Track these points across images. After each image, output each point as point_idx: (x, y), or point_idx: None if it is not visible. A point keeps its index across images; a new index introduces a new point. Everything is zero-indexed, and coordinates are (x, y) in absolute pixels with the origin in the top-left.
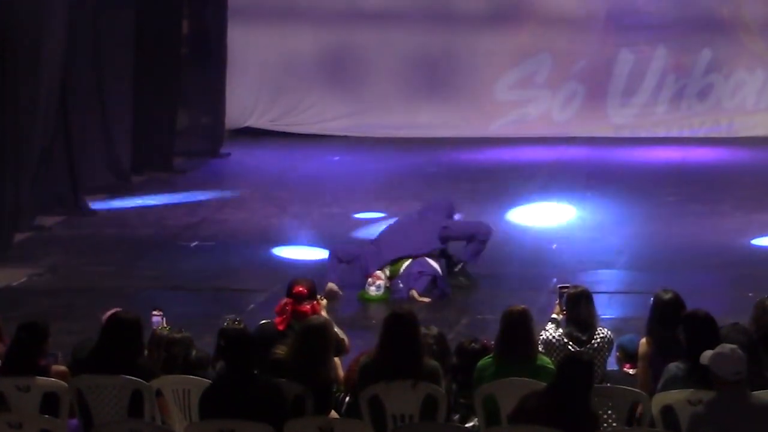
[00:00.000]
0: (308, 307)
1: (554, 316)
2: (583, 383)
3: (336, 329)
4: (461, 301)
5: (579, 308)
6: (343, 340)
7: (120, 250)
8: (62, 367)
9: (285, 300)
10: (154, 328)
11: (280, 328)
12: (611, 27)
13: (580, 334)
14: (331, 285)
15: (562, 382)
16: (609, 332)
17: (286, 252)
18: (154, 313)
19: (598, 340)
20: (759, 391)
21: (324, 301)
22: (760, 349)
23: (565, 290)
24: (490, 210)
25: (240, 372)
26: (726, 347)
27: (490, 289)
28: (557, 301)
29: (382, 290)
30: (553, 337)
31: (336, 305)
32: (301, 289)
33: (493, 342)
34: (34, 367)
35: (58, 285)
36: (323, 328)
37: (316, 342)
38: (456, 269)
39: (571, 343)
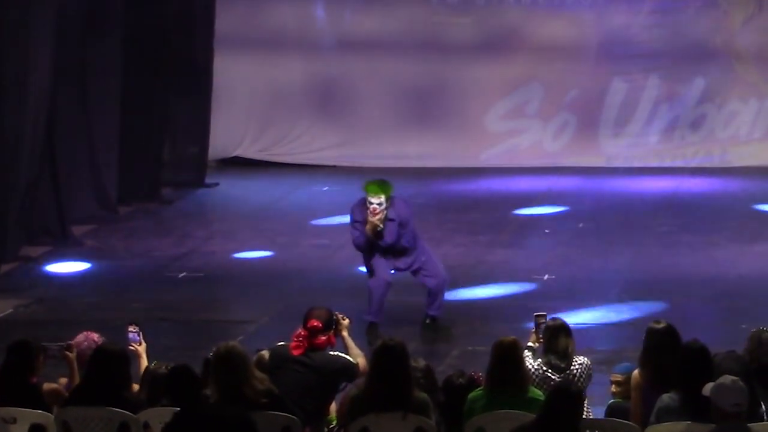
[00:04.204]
0: (323, 339)
1: (530, 344)
2: (571, 415)
3: (351, 351)
4: (451, 333)
5: (557, 340)
6: (356, 364)
7: (107, 281)
8: (53, 385)
9: (300, 331)
10: (131, 343)
11: (295, 353)
12: (603, 56)
13: (558, 362)
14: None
15: (551, 415)
16: (587, 360)
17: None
18: (131, 329)
19: (577, 366)
20: (758, 423)
21: (346, 321)
22: (754, 380)
23: (542, 319)
24: (481, 241)
25: (198, 405)
26: (728, 378)
27: (481, 320)
28: (533, 330)
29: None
30: (532, 365)
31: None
32: (315, 323)
33: (482, 374)
34: (26, 385)
35: (44, 316)
36: (231, 353)
37: (230, 366)
38: (427, 322)
39: (549, 370)
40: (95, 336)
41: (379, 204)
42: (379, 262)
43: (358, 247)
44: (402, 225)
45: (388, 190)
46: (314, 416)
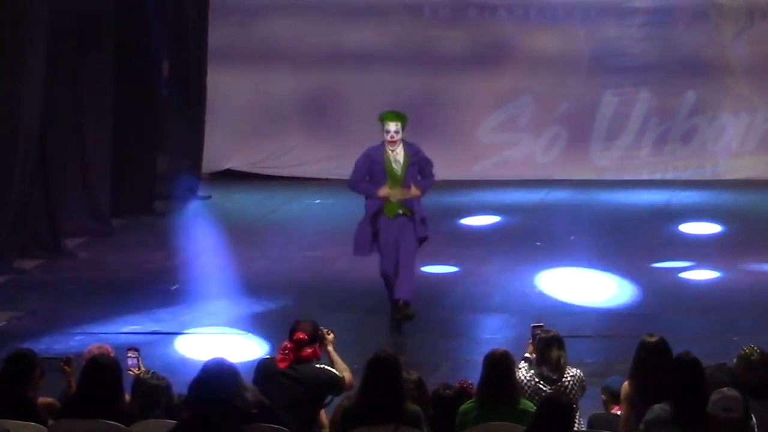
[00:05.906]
0: (309, 351)
1: (527, 355)
2: (562, 427)
3: (336, 365)
4: (444, 344)
5: (550, 352)
6: (342, 378)
7: (99, 294)
8: (49, 399)
9: (286, 343)
10: (130, 368)
11: (281, 366)
12: (594, 69)
13: (551, 374)
14: None
15: (541, 426)
16: (580, 372)
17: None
18: (130, 354)
19: (569, 378)
20: None
21: (331, 336)
22: (746, 392)
23: (539, 330)
24: (473, 252)
25: (201, 419)
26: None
27: (473, 331)
28: (530, 341)
29: None
30: (525, 377)
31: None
32: (302, 336)
33: (471, 383)
34: (22, 398)
35: (37, 328)
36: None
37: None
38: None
39: (541, 382)
40: (108, 347)
41: (396, 131)
42: (384, 242)
43: (351, 184)
44: (417, 153)
45: (404, 119)
46: (302, 429)
